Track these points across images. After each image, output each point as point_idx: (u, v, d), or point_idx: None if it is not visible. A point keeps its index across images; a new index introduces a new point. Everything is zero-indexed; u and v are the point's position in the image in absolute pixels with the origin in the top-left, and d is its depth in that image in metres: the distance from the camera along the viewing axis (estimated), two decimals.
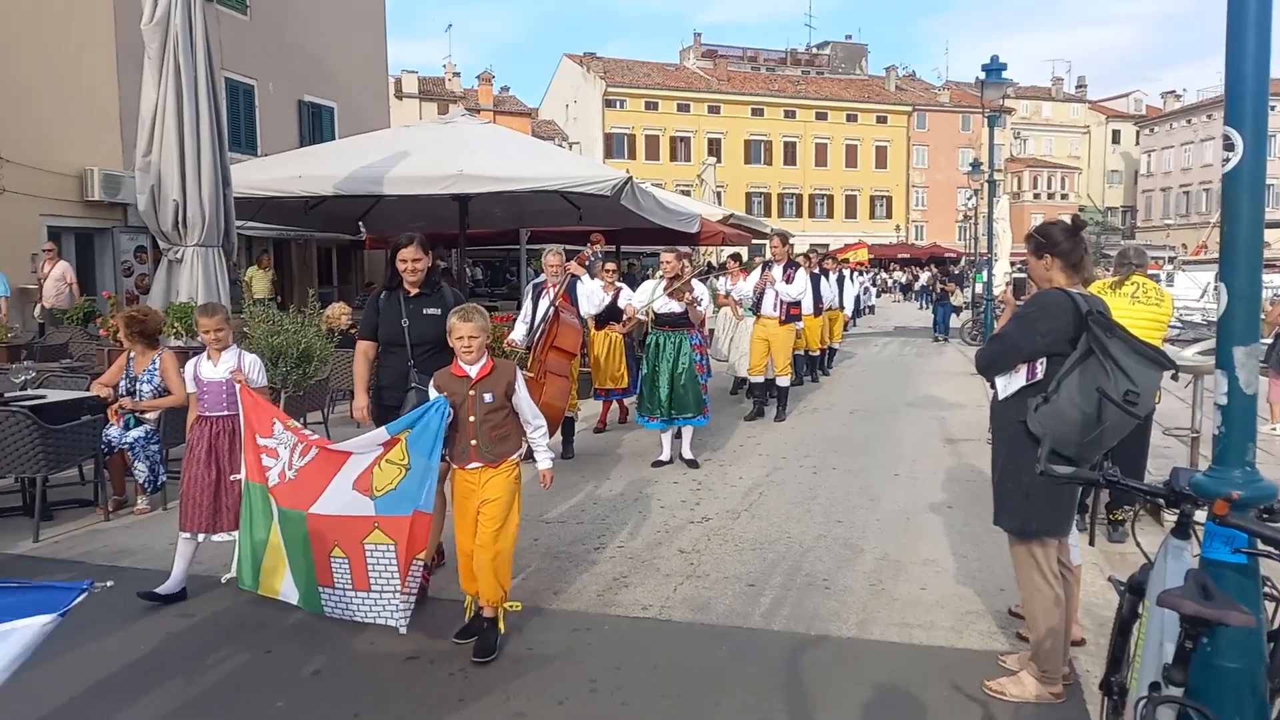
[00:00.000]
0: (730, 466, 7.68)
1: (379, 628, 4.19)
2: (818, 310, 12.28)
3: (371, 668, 3.85)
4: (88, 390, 6.52)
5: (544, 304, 7.03)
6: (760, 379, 9.84)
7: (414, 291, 4.68)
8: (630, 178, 9.67)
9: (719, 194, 23.60)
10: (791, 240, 10.52)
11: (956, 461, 7.90)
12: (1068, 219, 3.69)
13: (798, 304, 9.68)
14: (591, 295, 7.63)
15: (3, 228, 12.50)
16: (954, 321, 22.38)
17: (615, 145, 53.91)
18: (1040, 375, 3.40)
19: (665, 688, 3.69)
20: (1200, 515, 2.47)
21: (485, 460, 3.99)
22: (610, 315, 8.85)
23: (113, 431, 6.09)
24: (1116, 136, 68.39)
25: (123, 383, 6.07)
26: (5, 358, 8.44)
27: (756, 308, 9.68)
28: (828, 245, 37.47)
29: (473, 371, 4.00)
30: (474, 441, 3.98)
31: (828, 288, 13.09)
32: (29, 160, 12.75)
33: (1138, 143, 66.33)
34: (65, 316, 11.46)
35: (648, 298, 7.60)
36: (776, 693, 3.65)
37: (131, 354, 6.14)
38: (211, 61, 8.22)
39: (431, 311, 4.60)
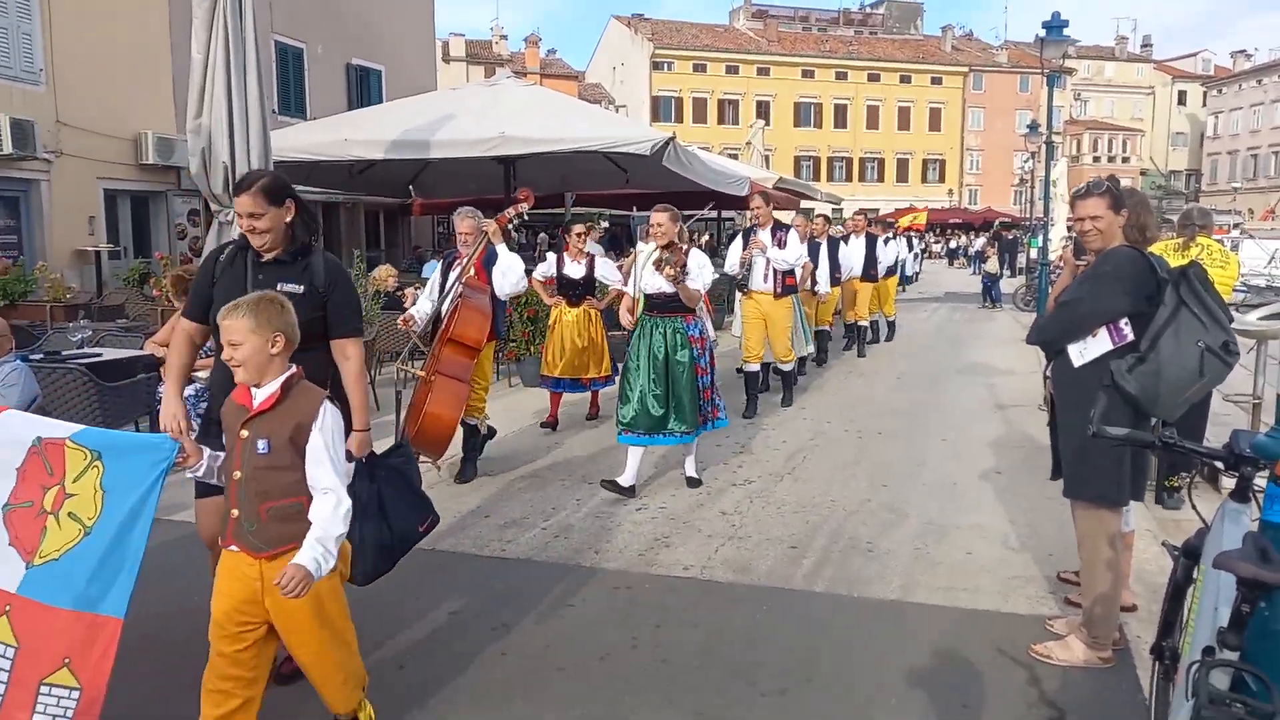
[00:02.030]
0: (774, 430, 7.62)
1: (423, 584, 4.25)
2: (835, 280, 10.83)
3: (416, 622, 3.90)
4: (142, 349, 6.66)
5: (454, 277, 5.76)
6: (756, 367, 8.31)
7: (268, 256, 3.28)
8: (672, 137, 9.52)
9: (767, 157, 23.26)
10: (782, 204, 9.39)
11: (1007, 428, 7.75)
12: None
13: (793, 273, 8.20)
14: (508, 272, 5.88)
15: (60, 191, 12.79)
16: (1006, 287, 21.94)
17: (662, 108, 53.42)
18: (1130, 336, 3.30)
19: (706, 646, 3.69)
20: (1261, 479, 2.38)
21: (248, 546, 2.59)
22: (587, 289, 7.72)
23: None
24: (1182, 98, 66.03)
25: None
26: (64, 317, 8.67)
27: (745, 283, 8.29)
28: (878, 210, 36.90)
29: (255, 399, 2.63)
30: (235, 512, 2.60)
31: (846, 255, 11.50)
32: (86, 124, 13.00)
33: (1204, 104, 64.01)
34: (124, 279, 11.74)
35: (638, 271, 5.88)
36: (817, 654, 3.63)
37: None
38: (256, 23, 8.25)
39: (291, 288, 3.16)
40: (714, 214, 19.22)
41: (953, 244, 48.10)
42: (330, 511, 2.58)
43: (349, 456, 2.99)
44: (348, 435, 3.03)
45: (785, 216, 11.19)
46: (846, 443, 7.22)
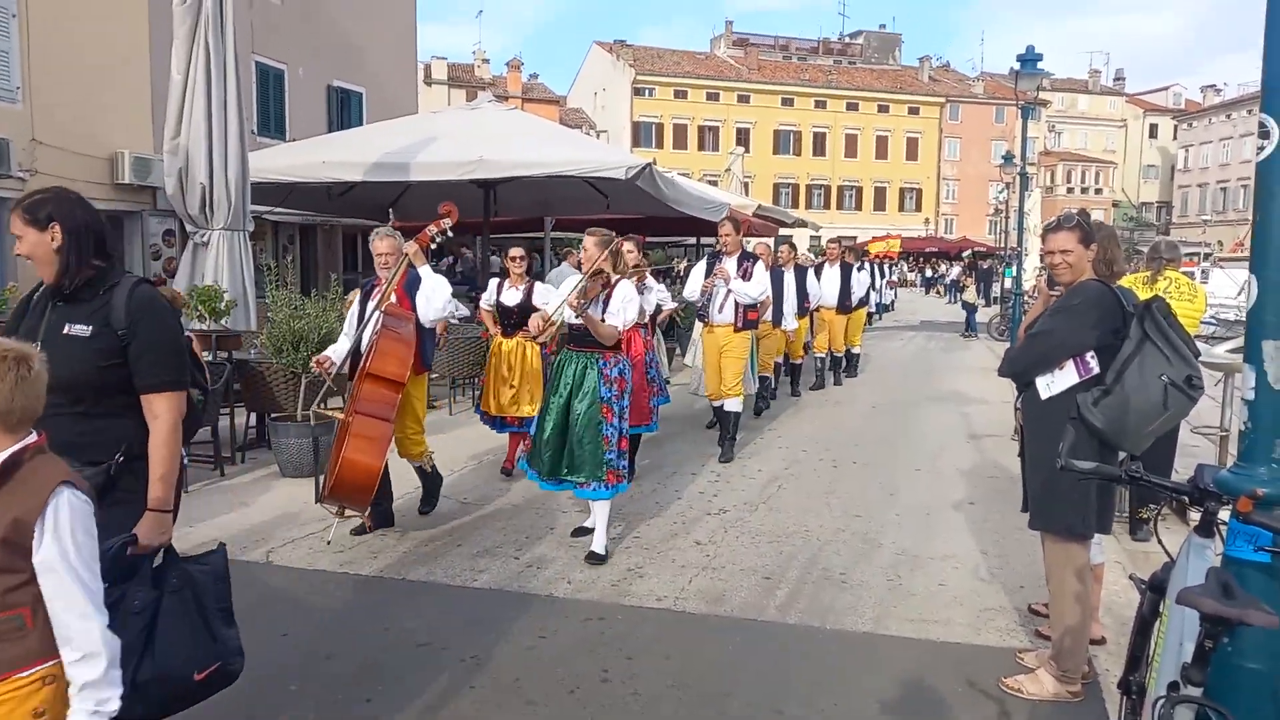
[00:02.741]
0: (749, 459, 7.63)
1: (392, 615, 4.21)
2: (803, 310, 10.56)
3: (384, 653, 3.85)
4: None
5: (373, 306, 5.21)
6: (721, 403, 7.78)
7: (67, 291, 2.68)
8: (650, 164, 9.57)
9: (746, 184, 23.47)
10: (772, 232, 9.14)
11: (980, 457, 7.80)
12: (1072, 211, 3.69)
13: (755, 307, 7.64)
14: (433, 296, 5.30)
15: None
16: (980, 316, 22.16)
17: (643, 134, 53.78)
18: (1096, 369, 3.35)
19: (677, 678, 3.67)
20: (1225, 513, 2.40)
21: None
22: (524, 317, 6.48)
23: None
24: (1154, 131, 67.27)
25: None
26: None
27: (704, 312, 7.74)
28: (855, 238, 37.21)
29: None
30: None
31: (815, 284, 11.21)
32: (62, 143, 12.89)
33: (1175, 137, 65.20)
34: None
35: (560, 298, 5.21)
36: (789, 685, 3.61)
37: None
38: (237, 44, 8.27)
39: (78, 330, 2.62)
40: (692, 239, 19.31)
41: (927, 273, 48.57)
42: (88, 659, 1.89)
43: (133, 540, 2.38)
44: (141, 514, 2.51)
45: (766, 243, 11.14)
46: (821, 472, 7.23)
